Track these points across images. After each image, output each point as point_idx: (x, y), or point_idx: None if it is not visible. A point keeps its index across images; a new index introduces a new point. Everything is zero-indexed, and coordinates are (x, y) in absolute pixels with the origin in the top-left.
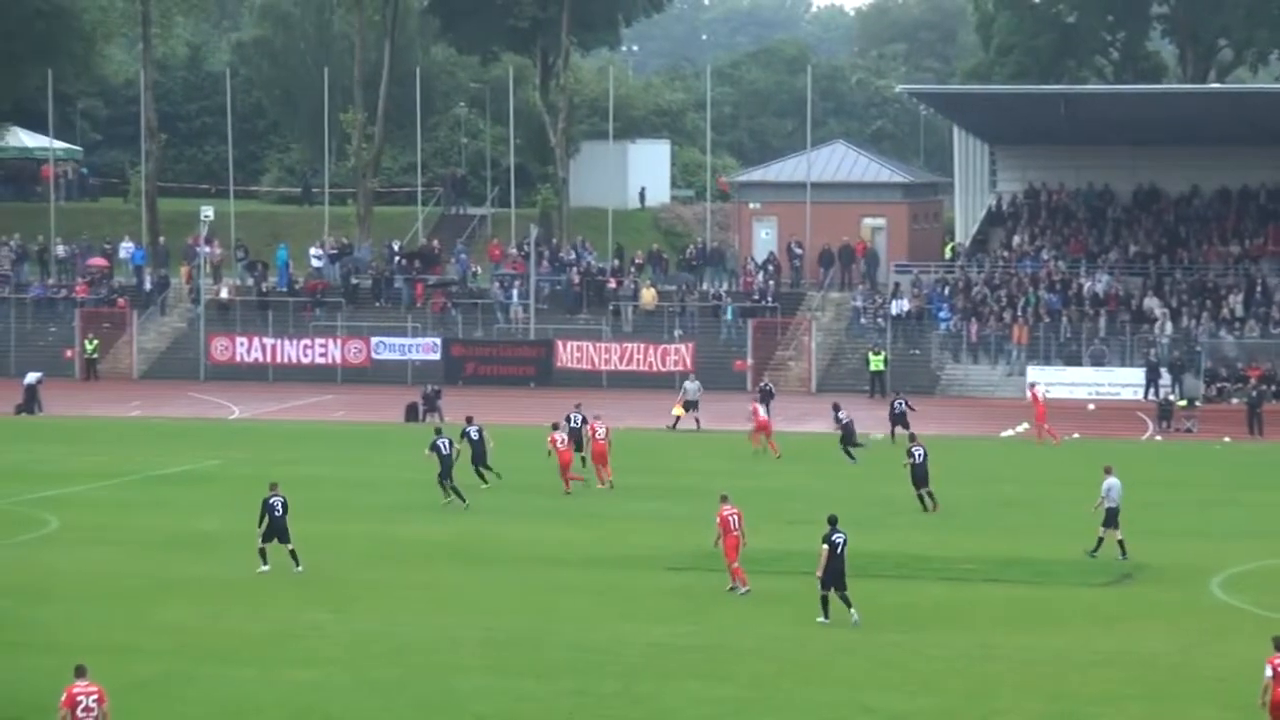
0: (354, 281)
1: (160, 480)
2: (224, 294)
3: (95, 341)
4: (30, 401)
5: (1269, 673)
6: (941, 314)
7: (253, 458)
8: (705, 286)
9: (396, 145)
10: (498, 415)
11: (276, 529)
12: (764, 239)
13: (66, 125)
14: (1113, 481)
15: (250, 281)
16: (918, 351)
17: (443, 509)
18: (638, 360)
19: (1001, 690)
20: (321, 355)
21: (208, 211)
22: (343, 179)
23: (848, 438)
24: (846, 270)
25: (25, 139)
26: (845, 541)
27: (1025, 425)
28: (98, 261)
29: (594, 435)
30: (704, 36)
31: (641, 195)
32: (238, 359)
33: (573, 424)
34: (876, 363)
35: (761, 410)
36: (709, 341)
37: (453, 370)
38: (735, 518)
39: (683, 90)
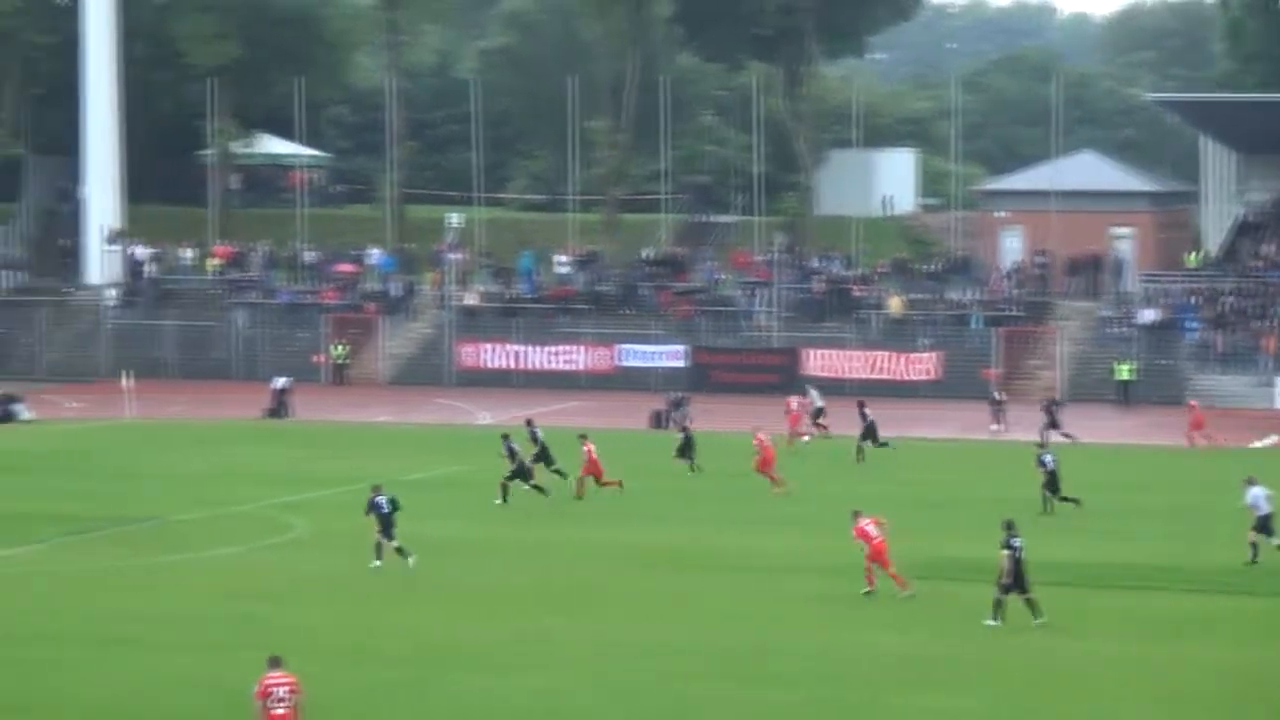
0: (600, 288)
1: (406, 486)
2: (471, 300)
3: (346, 347)
4: (279, 406)
5: None
6: (1189, 324)
7: (498, 464)
8: (952, 295)
9: (642, 153)
10: (742, 422)
11: (385, 526)
12: (1010, 247)
13: (315, 132)
14: (1258, 491)
15: (497, 288)
16: (1167, 361)
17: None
18: (884, 368)
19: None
20: (567, 362)
21: (455, 218)
22: (589, 186)
23: (869, 434)
24: (1093, 279)
25: (274, 146)
26: (1023, 546)
27: (1274, 437)
28: (346, 267)
29: (762, 445)
30: (950, 44)
31: (887, 203)
32: (484, 365)
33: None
34: (1122, 372)
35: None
36: (956, 350)
37: (698, 377)
38: (874, 526)
39: (929, 98)
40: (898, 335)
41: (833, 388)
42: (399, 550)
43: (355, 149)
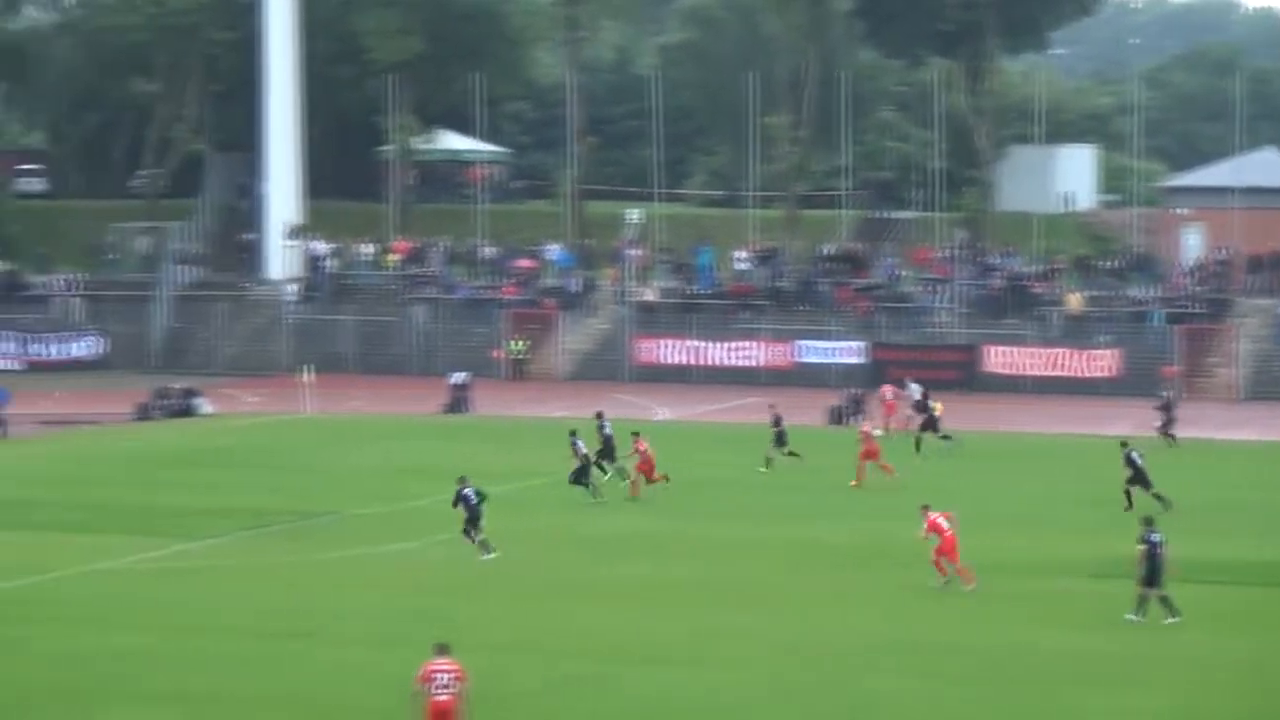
0: (779, 284)
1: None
2: (649, 296)
3: (525, 342)
4: (457, 401)
5: None
6: None
7: (674, 459)
8: (1132, 292)
9: (822, 149)
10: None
11: (473, 517)
12: (1191, 244)
13: (495, 128)
14: None
15: (675, 284)
16: None
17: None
18: (1064, 365)
19: None
20: (745, 358)
21: (634, 214)
22: (768, 182)
23: (930, 425)
24: (1274, 276)
25: (454, 142)
26: (1162, 542)
27: None
28: (525, 263)
29: (866, 437)
30: (1133, 40)
31: (1068, 199)
32: (662, 360)
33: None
34: None
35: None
36: (1135, 347)
37: (876, 373)
38: (946, 520)
39: (1110, 94)
40: (1077, 332)
41: (1011, 385)
42: (483, 544)
43: (534, 145)
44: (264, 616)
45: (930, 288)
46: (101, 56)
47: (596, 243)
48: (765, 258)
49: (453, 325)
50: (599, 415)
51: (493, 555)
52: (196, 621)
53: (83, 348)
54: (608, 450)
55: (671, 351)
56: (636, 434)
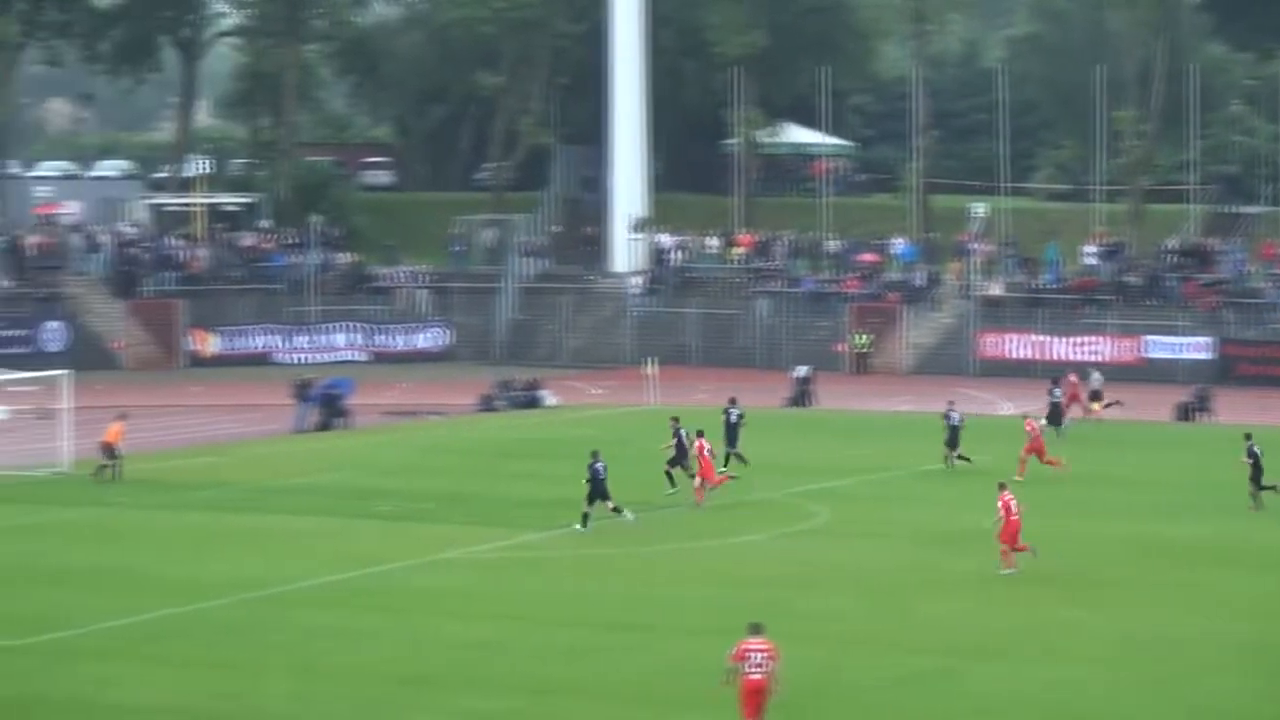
0: (1125, 279)
1: (926, 476)
2: (994, 290)
3: (868, 336)
4: (801, 394)
5: None
6: None
7: (1014, 454)
8: None
9: (1169, 142)
10: (1269, 417)
11: (599, 491)
12: None
13: (839, 121)
14: None
15: (1021, 278)
16: None
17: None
18: None
19: None
20: (1091, 352)
21: (979, 208)
22: (1114, 176)
23: (1055, 416)
24: None
25: (799, 135)
26: None
27: None
28: (868, 257)
29: (1032, 430)
30: None
31: None
32: (1007, 355)
33: None
34: None
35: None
36: None
37: (1224, 370)
38: (1015, 503)
39: None
40: None
41: None
42: (615, 510)
43: (879, 138)
44: (605, 607)
45: (1279, 283)
46: (448, 50)
47: (940, 236)
48: (1111, 252)
49: (796, 318)
50: (732, 401)
51: (630, 515)
52: (539, 611)
53: (428, 339)
54: (732, 437)
55: (1016, 346)
56: (700, 433)
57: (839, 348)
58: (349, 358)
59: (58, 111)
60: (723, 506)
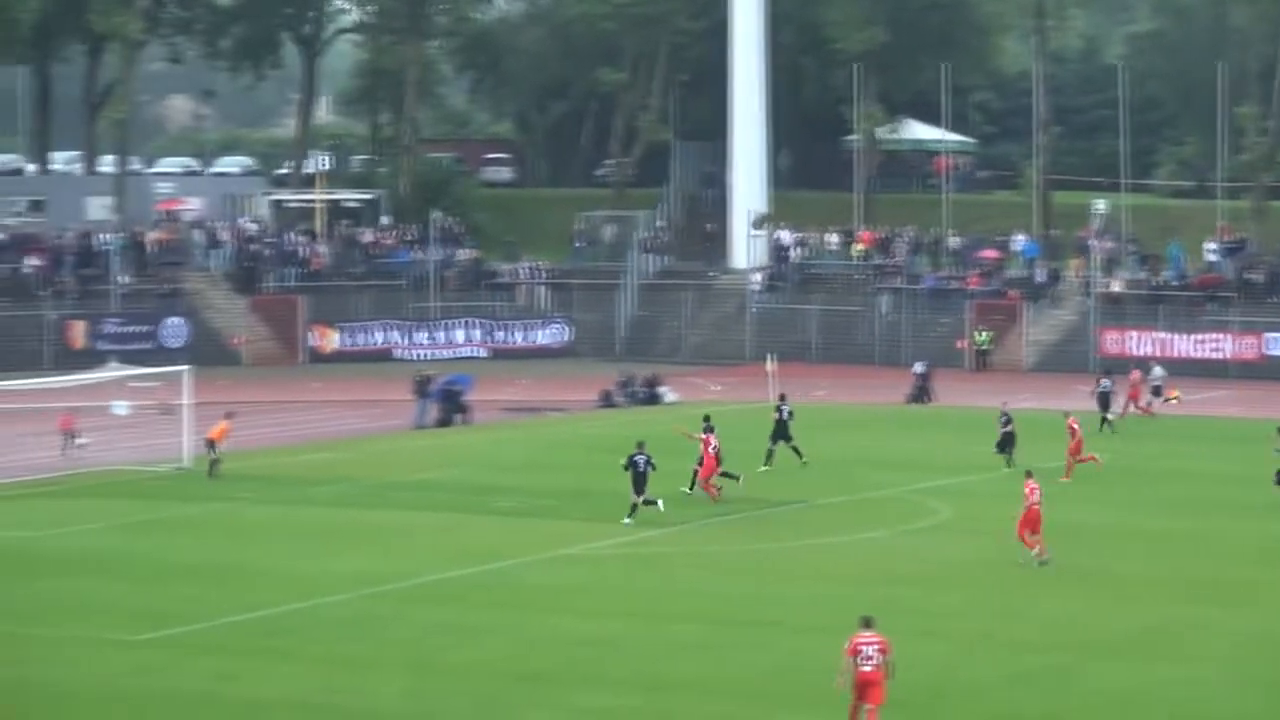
0: (1248, 276)
1: (1047, 473)
2: (1115, 287)
3: (988, 333)
4: (920, 391)
5: None
6: None
7: (1135, 450)
8: None
9: None
10: None
11: (638, 482)
12: None
13: (960, 118)
14: None
15: (1142, 275)
16: None
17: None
18: None
19: None
20: (1213, 350)
21: (1100, 205)
22: (1237, 173)
23: (1105, 404)
24: None
25: (920, 131)
26: None
27: None
28: (989, 253)
29: (1073, 430)
30: None
31: None
32: (1128, 352)
33: None
34: None
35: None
36: None
37: None
38: (1038, 492)
39: None
40: None
41: None
42: (646, 502)
43: (1000, 134)
44: (727, 604)
45: None
46: (569, 46)
47: (1062, 233)
48: (1233, 249)
49: (917, 315)
50: (782, 398)
51: (660, 504)
52: (660, 608)
53: (548, 335)
54: (783, 432)
55: (1138, 343)
56: (710, 429)
57: (960, 344)
58: (469, 354)
59: (179, 108)
60: (846, 504)
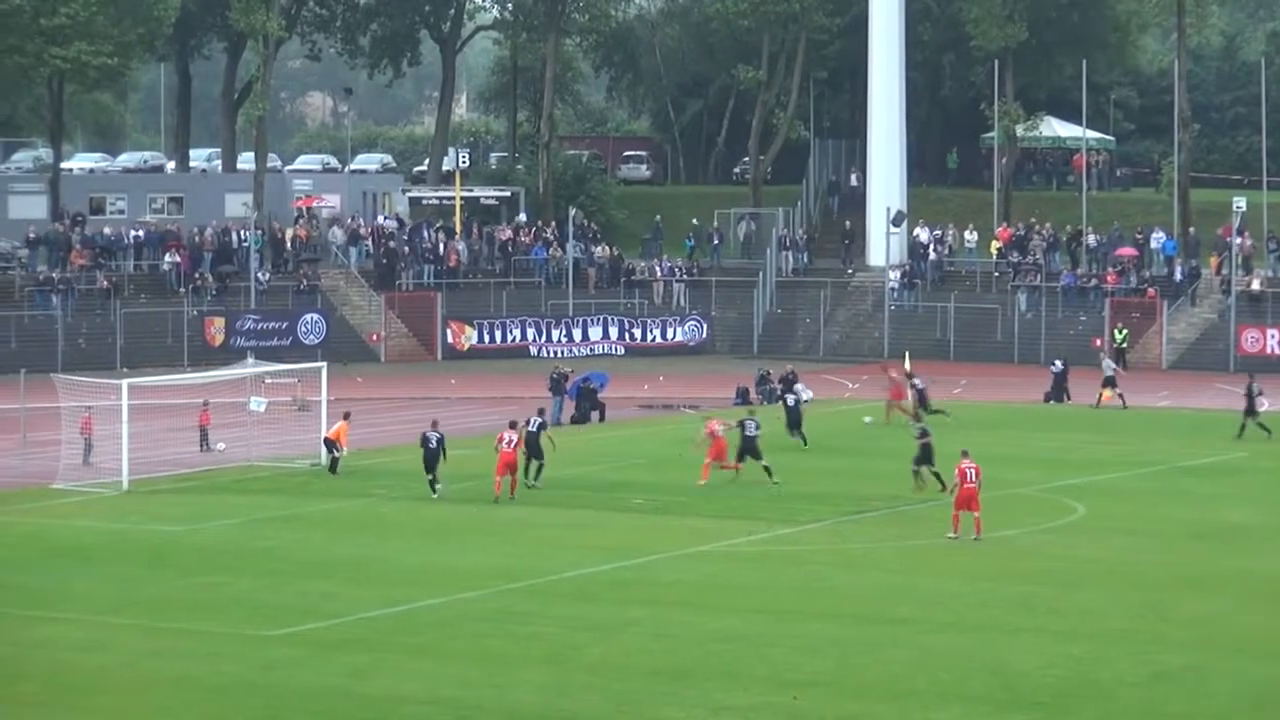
0: None
1: (1185, 471)
2: (1255, 285)
3: (1125, 331)
4: (1058, 390)
5: None
6: None
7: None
8: None
9: None
10: None
11: (428, 460)
12: None
13: (1099, 115)
14: None
15: None
16: None
17: None
18: None
19: None
20: None
21: (1240, 203)
22: None
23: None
24: None
25: (1058, 128)
26: None
27: None
28: (1127, 251)
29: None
30: None
31: None
32: (1268, 351)
33: None
34: None
35: None
36: None
37: None
38: (973, 471)
39: None
40: None
41: None
42: (431, 483)
43: (1139, 132)
44: (860, 600)
45: None
46: (707, 44)
47: (1201, 231)
48: None
49: (1054, 313)
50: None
51: (439, 494)
52: (794, 605)
53: (685, 332)
54: (794, 419)
55: (1277, 342)
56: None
57: (1097, 343)
58: (605, 351)
59: (317, 105)
60: (982, 501)
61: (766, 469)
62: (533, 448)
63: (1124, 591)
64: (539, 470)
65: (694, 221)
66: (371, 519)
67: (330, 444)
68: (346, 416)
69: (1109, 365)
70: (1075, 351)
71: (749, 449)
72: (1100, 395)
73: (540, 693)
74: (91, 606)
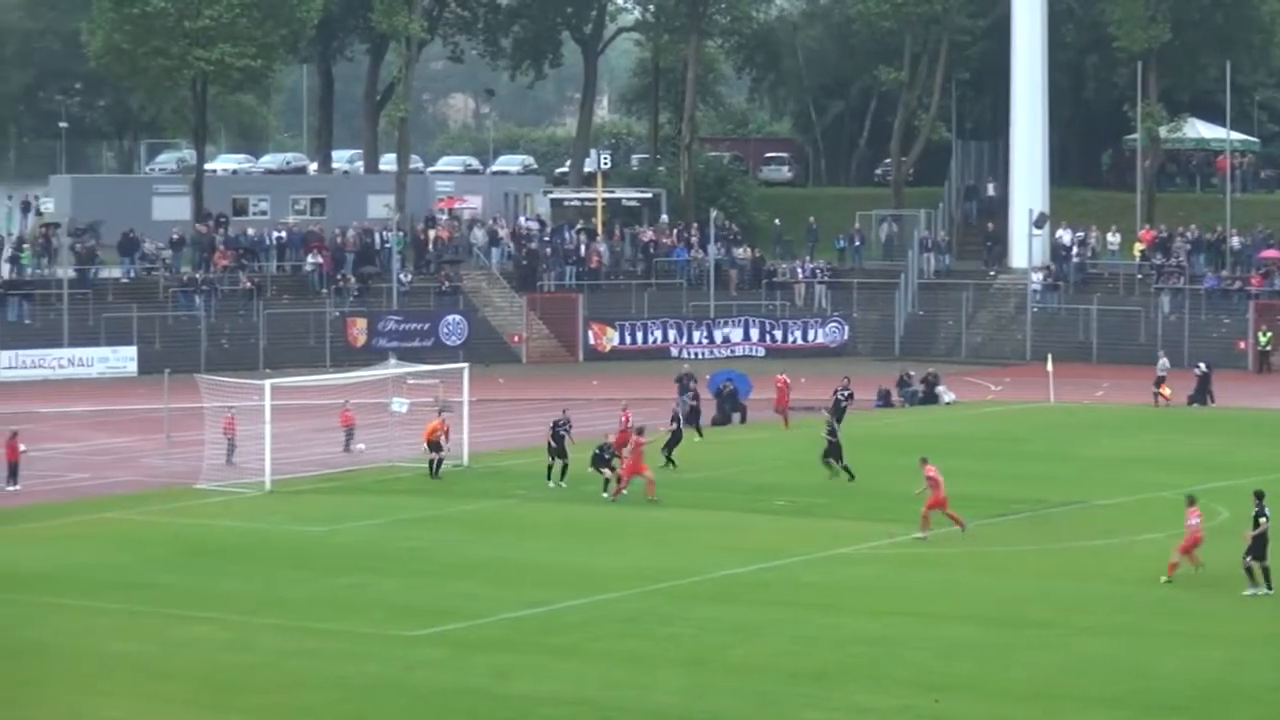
0: None
1: None
2: None
3: (1269, 334)
4: (1201, 392)
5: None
6: None
7: None
8: None
9: None
10: None
11: (833, 452)
12: None
13: (1243, 116)
14: None
15: None
16: None
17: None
18: None
19: None
20: None
21: None
22: None
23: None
24: None
25: (1202, 130)
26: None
27: None
28: (1271, 253)
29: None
30: None
31: None
32: None
33: None
34: None
35: None
36: None
37: None
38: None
39: None
40: None
41: None
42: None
43: None
44: (1001, 603)
45: None
46: (849, 45)
47: None
48: None
49: (1198, 316)
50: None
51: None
52: (935, 607)
53: (826, 334)
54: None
55: None
56: (640, 430)
57: (1241, 346)
58: (746, 353)
59: (459, 107)
60: (1124, 505)
61: (846, 469)
62: (559, 448)
63: (1267, 596)
64: (564, 470)
65: (810, 222)
66: (512, 520)
67: (433, 445)
68: (441, 413)
69: (1164, 365)
70: (1219, 354)
71: (832, 452)
72: (1158, 395)
73: (681, 694)
74: (236, 606)
